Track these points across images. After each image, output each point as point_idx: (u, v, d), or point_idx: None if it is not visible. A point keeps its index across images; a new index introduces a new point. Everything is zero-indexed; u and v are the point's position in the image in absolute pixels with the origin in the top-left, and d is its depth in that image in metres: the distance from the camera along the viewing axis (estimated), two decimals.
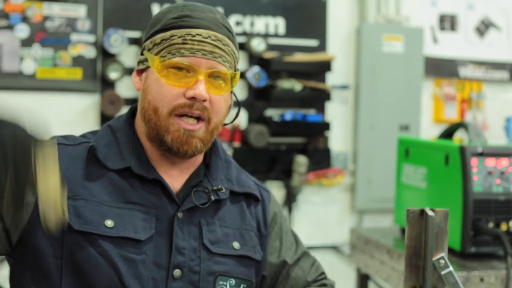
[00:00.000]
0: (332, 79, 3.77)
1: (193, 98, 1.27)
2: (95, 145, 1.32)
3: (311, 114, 3.68)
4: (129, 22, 3.40)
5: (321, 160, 3.72)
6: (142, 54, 1.35)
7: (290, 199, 3.66)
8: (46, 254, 1.24)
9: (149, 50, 1.32)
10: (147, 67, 1.33)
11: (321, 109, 3.76)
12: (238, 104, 1.45)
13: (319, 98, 3.71)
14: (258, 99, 3.64)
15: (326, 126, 3.68)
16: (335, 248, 3.82)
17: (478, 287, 2.00)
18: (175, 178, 1.36)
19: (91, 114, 3.38)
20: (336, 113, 3.82)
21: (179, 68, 1.28)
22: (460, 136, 2.59)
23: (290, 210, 3.66)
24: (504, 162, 2.13)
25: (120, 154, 1.32)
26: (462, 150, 2.10)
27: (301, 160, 3.61)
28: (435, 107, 4.04)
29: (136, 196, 1.30)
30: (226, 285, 1.34)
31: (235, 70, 1.35)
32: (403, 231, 2.44)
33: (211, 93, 1.29)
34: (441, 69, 4.01)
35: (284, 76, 3.61)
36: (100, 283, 1.23)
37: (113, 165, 1.31)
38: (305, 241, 1.63)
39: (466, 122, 2.82)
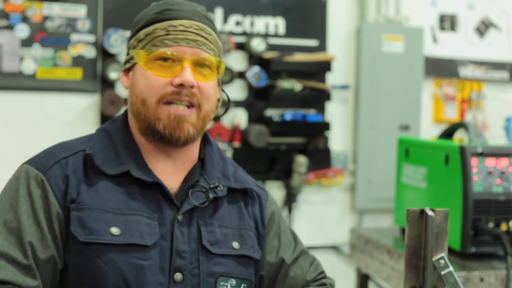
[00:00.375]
0: (332, 79, 3.77)
1: (180, 86, 1.28)
2: (92, 153, 1.31)
3: (311, 114, 3.68)
4: (129, 22, 3.31)
5: (321, 160, 3.71)
6: (128, 54, 1.37)
7: (290, 199, 3.66)
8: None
9: (134, 48, 1.34)
10: (134, 64, 1.34)
11: (321, 109, 3.75)
12: (228, 98, 1.46)
13: (319, 98, 3.70)
14: (258, 99, 3.63)
15: (326, 126, 3.68)
16: (335, 248, 3.82)
17: (478, 287, 2.00)
18: (172, 176, 1.35)
19: (91, 114, 3.38)
20: (336, 113, 3.81)
21: (164, 59, 1.30)
22: (460, 136, 2.59)
23: (290, 210, 3.66)
24: (504, 162, 2.13)
25: (117, 158, 1.32)
26: (462, 150, 2.10)
27: (301, 160, 3.61)
28: (435, 107, 4.03)
29: (137, 201, 1.30)
30: (227, 286, 1.33)
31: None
32: (403, 231, 2.44)
33: (198, 80, 1.30)
34: (441, 69, 4.01)
35: (284, 76, 3.61)
36: None
37: (111, 171, 1.30)
38: (305, 241, 1.63)
39: (466, 122, 2.83)
